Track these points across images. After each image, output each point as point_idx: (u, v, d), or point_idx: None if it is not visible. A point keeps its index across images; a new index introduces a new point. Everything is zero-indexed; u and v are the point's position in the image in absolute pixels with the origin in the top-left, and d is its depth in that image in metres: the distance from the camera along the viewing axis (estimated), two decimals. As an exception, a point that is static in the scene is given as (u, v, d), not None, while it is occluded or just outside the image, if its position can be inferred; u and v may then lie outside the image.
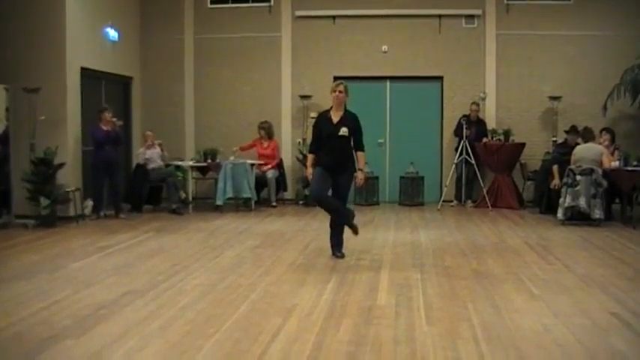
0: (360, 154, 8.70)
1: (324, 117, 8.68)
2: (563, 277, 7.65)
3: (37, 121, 11.71)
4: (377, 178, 14.83)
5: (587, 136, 12.10)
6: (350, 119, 8.60)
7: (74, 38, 12.33)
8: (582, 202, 11.34)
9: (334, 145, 8.50)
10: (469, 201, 14.50)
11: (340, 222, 8.72)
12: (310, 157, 8.85)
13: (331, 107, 8.69)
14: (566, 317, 5.94)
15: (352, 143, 8.61)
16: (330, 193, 8.70)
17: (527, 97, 14.81)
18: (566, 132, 13.06)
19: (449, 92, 15.04)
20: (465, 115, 14.24)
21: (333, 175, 8.55)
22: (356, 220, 8.77)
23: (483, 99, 14.79)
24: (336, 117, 8.58)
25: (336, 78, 15.03)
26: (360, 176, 8.60)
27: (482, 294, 6.84)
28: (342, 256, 8.68)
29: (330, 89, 8.73)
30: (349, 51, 15.18)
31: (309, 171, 8.77)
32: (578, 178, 11.38)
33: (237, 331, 5.57)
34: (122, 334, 5.51)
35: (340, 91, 8.54)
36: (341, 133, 8.47)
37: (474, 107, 14.48)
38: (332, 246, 8.81)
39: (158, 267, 8.20)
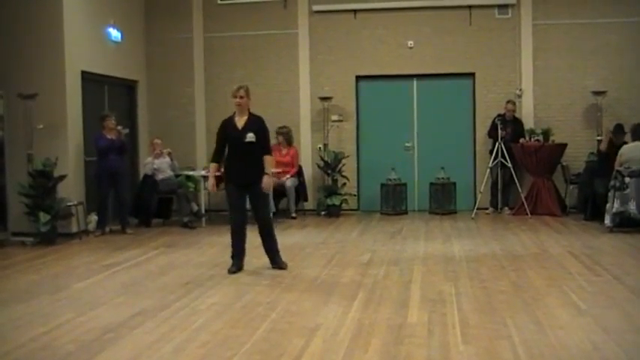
0: (267, 157, 8.96)
1: (228, 123, 9.02)
2: (612, 289, 7.59)
3: (35, 130, 11.79)
4: (405, 184, 14.79)
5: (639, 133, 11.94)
6: (255, 123, 8.94)
7: (73, 39, 12.42)
8: (632, 206, 11.25)
9: (242, 153, 8.83)
10: (506, 208, 14.43)
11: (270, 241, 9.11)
12: (213, 166, 9.23)
13: (235, 112, 9.01)
14: (618, 334, 5.88)
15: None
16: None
17: (568, 93, 14.71)
18: (612, 132, 12.92)
19: (481, 90, 14.98)
20: (499, 115, 14.17)
21: (247, 190, 8.88)
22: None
23: (519, 96, 14.72)
24: (240, 122, 8.91)
25: (358, 77, 15.19)
26: (266, 180, 8.87)
27: (523, 309, 6.79)
28: (285, 267, 8.97)
29: (232, 94, 8.99)
30: (372, 47, 15.18)
31: (212, 182, 9.29)
32: (627, 180, 11.29)
33: (256, 354, 5.56)
34: (131, 359, 5.52)
35: (241, 97, 8.86)
36: (248, 139, 8.78)
37: (510, 106, 14.40)
38: (269, 256, 9.12)
39: (169, 285, 8.22)
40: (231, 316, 6.79)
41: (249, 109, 8.98)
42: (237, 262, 8.99)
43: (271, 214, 13.54)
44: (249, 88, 9.00)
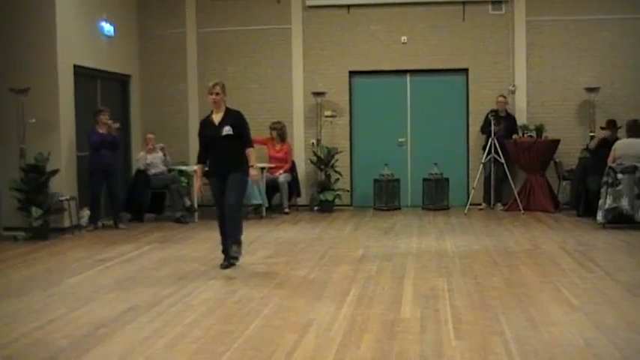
0: (250, 150, 9.02)
1: (206, 121, 9.12)
2: (605, 285, 7.60)
3: (27, 125, 11.72)
4: (398, 180, 14.80)
5: (635, 130, 11.91)
6: (232, 117, 8.99)
7: (66, 33, 12.35)
8: (625, 202, 11.27)
9: (220, 147, 8.88)
10: (499, 204, 14.43)
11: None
12: (198, 167, 9.26)
13: (212, 111, 9.07)
14: (610, 330, 5.89)
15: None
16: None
17: (562, 89, 14.72)
18: (603, 128, 12.94)
19: (475, 86, 14.98)
20: (492, 110, 14.18)
21: (224, 179, 8.87)
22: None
23: (513, 92, 14.73)
24: (217, 118, 8.97)
25: (351, 73, 15.19)
26: (253, 172, 8.98)
27: (516, 305, 6.81)
28: (234, 260, 8.95)
29: (208, 91, 9.03)
30: (365, 43, 15.16)
31: (198, 184, 9.37)
32: (620, 176, 11.31)
33: (249, 350, 5.57)
34: (124, 354, 5.53)
35: (217, 93, 8.92)
36: (224, 132, 8.83)
37: (501, 99, 14.36)
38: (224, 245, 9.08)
39: (162, 281, 8.21)
40: (224, 311, 6.80)
41: (225, 104, 9.02)
42: (228, 257, 8.99)
43: (264, 208, 13.71)
44: (224, 84, 9.05)
